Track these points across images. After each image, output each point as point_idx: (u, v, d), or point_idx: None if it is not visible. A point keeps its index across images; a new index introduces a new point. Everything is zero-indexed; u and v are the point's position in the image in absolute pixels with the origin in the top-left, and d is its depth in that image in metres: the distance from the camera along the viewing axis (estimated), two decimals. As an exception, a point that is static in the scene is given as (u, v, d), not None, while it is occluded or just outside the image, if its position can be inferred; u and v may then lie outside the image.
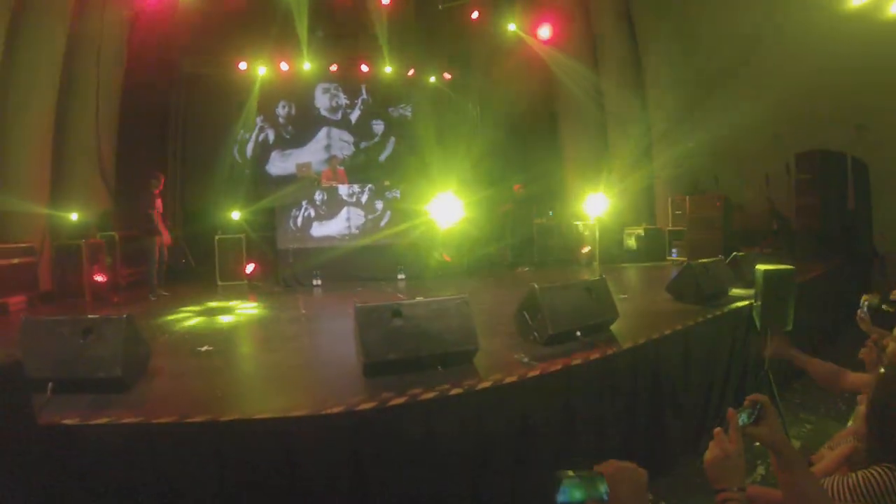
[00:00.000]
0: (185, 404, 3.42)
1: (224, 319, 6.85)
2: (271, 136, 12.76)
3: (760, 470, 4.15)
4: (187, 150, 12.11)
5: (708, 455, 1.60)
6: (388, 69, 12.30)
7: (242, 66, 11.97)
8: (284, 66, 12.15)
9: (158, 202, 8.75)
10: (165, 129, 11.88)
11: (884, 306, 4.32)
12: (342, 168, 11.05)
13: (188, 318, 6.87)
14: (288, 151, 12.71)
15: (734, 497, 1.53)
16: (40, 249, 8.41)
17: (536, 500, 3.83)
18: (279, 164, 12.66)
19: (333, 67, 12.40)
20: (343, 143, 12.91)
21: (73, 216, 8.96)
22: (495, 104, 12.39)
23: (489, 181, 11.55)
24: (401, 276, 9.55)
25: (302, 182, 10.25)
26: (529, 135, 12.19)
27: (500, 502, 3.71)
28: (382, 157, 13.12)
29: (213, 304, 7.87)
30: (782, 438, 1.68)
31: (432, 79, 12.73)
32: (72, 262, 8.25)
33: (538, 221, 11.39)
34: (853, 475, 1.91)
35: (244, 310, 7.53)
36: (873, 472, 1.88)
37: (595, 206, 10.37)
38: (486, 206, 12.20)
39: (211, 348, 5.13)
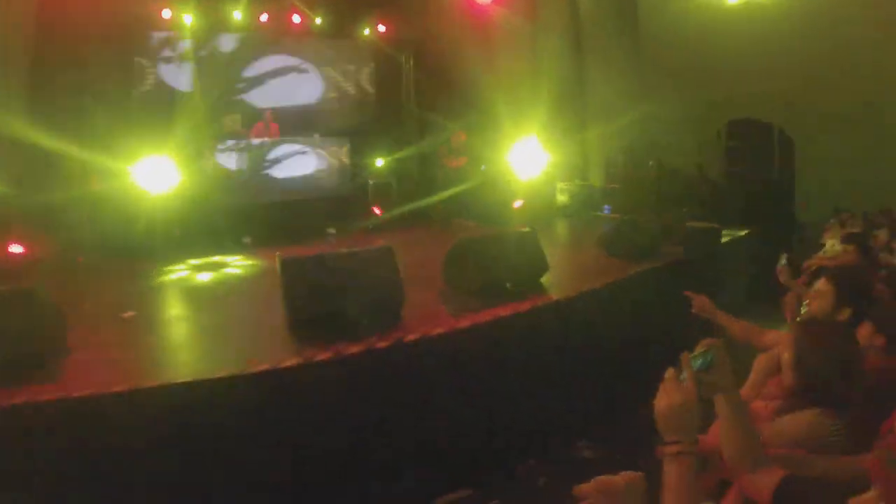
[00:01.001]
0: (106, 375, 3.25)
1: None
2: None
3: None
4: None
5: (660, 401, 1.43)
6: (318, 20, 11.81)
7: (166, 13, 11.19)
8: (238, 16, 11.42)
9: None
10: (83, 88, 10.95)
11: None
12: (275, 123, 10.60)
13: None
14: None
15: (687, 450, 1.39)
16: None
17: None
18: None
19: (264, 17, 11.79)
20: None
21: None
22: (431, 56, 12.10)
23: (423, 134, 11.30)
24: (331, 231, 9.36)
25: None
26: (464, 89, 12.02)
27: (433, 453, 3.71)
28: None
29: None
30: (732, 385, 1.58)
31: (366, 31, 12.32)
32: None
33: (474, 175, 11.28)
34: (781, 420, 2.01)
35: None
36: (799, 416, 1.97)
37: (528, 161, 10.35)
38: (419, 159, 12.03)
39: (134, 314, 4.86)
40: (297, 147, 9.88)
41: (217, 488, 3.15)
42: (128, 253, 8.40)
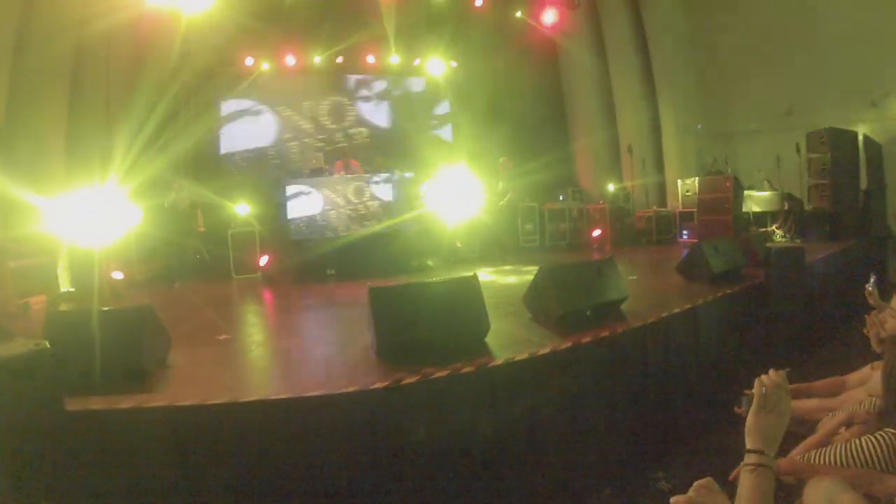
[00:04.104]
0: (206, 388, 3.48)
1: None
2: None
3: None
4: (198, 145, 12.07)
5: (753, 410, 1.45)
6: (394, 59, 12.27)
7: (249, 61, 11.98)
8: (291, 61, 12.13)
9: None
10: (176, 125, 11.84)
11: None
12: (356, 160, 11.05)
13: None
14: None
15: (767, 463, 1.38)
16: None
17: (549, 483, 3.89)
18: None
19: (339, 59, 12.38)
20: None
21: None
22: (502, 91, 12.35)
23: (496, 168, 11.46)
24: (413, 265, 9.60)
25: None
26: (538, 120, 12.15)
27: (511, 479, 3.76)
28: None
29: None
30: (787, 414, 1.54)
31: (440, 69, 12.70)
32: (88, 262, 8.34)
33: (549, 206, 11.40)
34: (856, 441, 1.97)
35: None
36: (878, 436, 1.93)
37: (605, 189, 10.35)
38: (496, 194, 12.21)
39: (229, 336, 5.20)
40: (376, 181, 10.20)
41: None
42: (218, 283, 9.00)
